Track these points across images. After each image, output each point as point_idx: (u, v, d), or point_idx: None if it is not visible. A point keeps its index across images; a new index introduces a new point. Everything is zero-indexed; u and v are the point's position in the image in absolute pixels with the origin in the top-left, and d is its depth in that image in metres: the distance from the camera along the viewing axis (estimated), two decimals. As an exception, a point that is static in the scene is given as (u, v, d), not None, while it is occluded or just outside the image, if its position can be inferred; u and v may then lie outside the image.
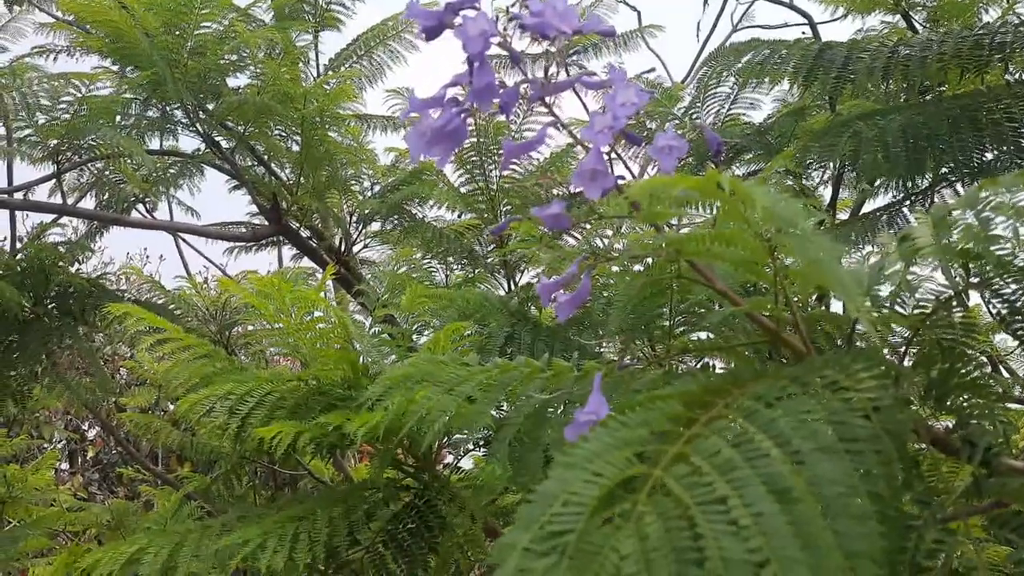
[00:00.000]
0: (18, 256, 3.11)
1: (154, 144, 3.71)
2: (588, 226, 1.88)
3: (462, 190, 3.14)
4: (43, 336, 2.88)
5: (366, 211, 3.42)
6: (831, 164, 2.73)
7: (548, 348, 1.60)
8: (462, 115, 0.94)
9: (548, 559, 0.51)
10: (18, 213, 3.62)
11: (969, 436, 0.72)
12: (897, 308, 0.90)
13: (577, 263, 1.02)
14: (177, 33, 3.23)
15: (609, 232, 1.64)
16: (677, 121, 3.36)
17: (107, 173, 3.82)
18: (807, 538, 0.53)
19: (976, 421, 0.77)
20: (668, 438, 0.60)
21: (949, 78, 1.91)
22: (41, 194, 3.61)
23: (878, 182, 2.61)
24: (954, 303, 0.85)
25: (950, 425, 0.85)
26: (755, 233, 0.79)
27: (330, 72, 3.68)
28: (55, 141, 3.14)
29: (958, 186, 1.85)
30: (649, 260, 1.22)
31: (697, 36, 4.42)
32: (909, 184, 2.08)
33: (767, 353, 1.07)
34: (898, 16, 3.87)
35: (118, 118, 3.36)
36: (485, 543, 1.56)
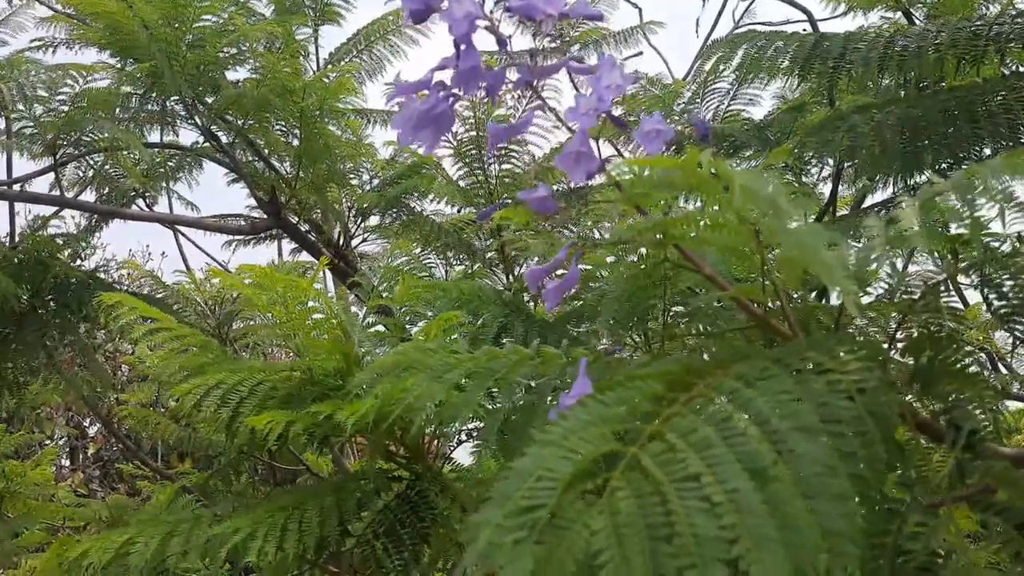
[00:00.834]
0: (16, 248, 3.11)
1: (153, 137, 3.71)
2: (585, 218, 1.87)
3: (461, 184, 3.14)
4: (40, 329, 2.88)
5: (364, 205, 3.41)
6: (830, 160, 2.72)
7: (542, 339, 1.60)
8: (449, 99, 0.93)
9: (518, 533, 0.50)
10: (18, 206, 3.62)
11: (954, 420, 0.71)
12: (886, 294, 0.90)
13: (565, 249, 1.02)
14: (176, 26, 3.23)
15: (607, 224, 1.64)
16: (668, 110, 3.35)
17: (106, 167, 3.83)
18: (783, 516, 0.53)
19: (962, 406, 0.76)
20: (646, 417, 0.60)
21: (947, 70, 1.90)
22: (42, 188, 3.62)
23: (877, 178, 2.60)
24: (942, 289, 0.84)
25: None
26: (739, 217, 0.79)
27: (330, 66, 3.68)
28: (52, 134, 3.13)
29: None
30: (643, 251, 1.21)
31: (696, 33, 4.42)
32: (908, 179, 2.08)
33: (766, 343, 1.07)
34: (899, 13, 3.87)
35: (117, 111, 3.36)
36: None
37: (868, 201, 3.24)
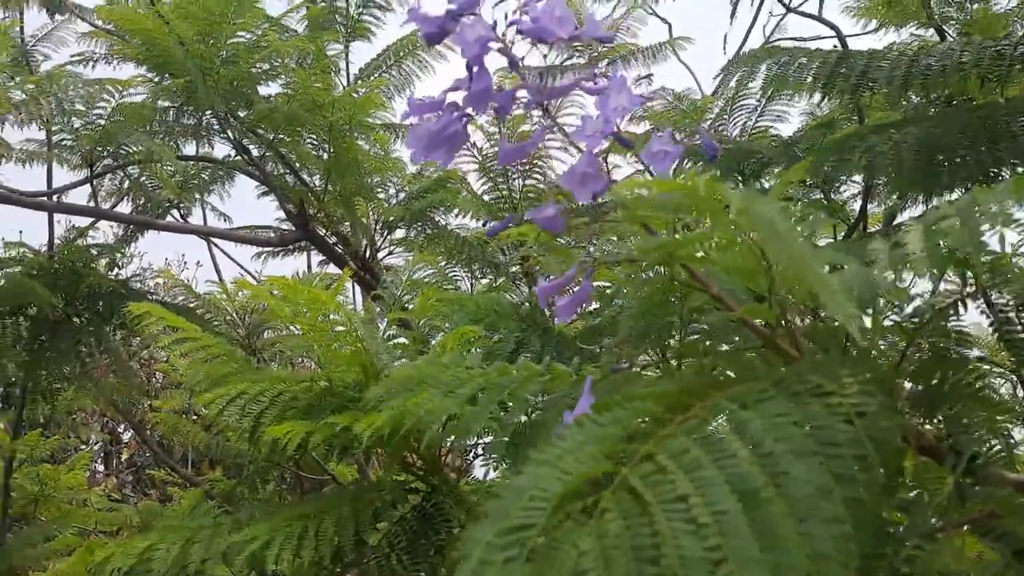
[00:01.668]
0: (53, 258, 3.19)
1: (188, 150, 3.79)
2: (603, 235, 1.88)
3: (485, 198, 3.16)
4: (74, 337, 2.95)
5: (391, 218, 3.45)
6: (860, 177, 2.70)
7: (558, 355, 1.61)
8: (461, 120, 0.95)
9: (509, 552, 0.52)
10: (56, 216, 3.71)
11: (956, 445, 0.71)
12: (892, 316, 0.90)
13: (576, 267, 1.03)
14: (211, 42, 3.30)
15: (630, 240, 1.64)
16: (695, 126, 3.34)
17: (142, 178, 3.91)
18: (771, 539, 0.53)
19: (966, 431, 0.76)
20: (641, 438, 0.60)
21: (971, 87, 1.89)
22: (79, 198, 3.71)
23: (907, 196, 2.58)
24: (950, 312, 0.84)
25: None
26: (743, 237, 0.79)
27: (359, 81, 3.73)
28: (90, 146, 3.21)
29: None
30: (661, 268, 1.22)
31: (724, 49, 4.41)
32: (936, 198, 2.06)
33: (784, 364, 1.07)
34: (931, 30, 3.83)
35: (153, 124, 3.44)
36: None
37: (900, 218, 3.21)
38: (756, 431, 0.60)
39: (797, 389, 0.70)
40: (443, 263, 3.43)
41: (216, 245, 5.21)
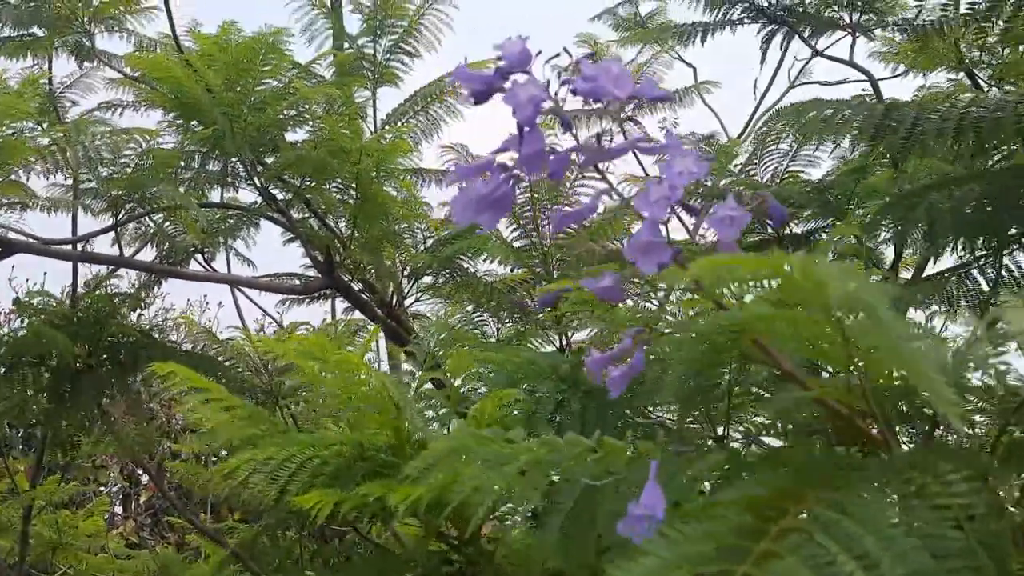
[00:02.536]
0: (76, 307, 3.16)
1: (215, 196, 3.77)
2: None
3: (515, 245, 3.11)
4: (96, 387, 2.90)
5: (418, 264, 3.40)
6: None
7: (600, 418, 1.53)
8: (510, 182, 0.89)
9: None
10: (80, 264, 3.69)
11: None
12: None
13: (630, 337, 0.96)
14: (238, 89, 3.30)
15: (660, 295, 1.58)
16: (732, 179, 3.28)
17: (166, 225, 3.90)
18: None
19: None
20: (735, 555, 0.53)
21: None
22: (103, 245, 3.69)
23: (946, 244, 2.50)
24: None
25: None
26: (826, 314, 0.72)
27: (386, 127, 3.72)
28: (115, 192, 3.20)
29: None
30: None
31: (754, 93, 4.37)
32: (977, 248, 1.98)
33: (836, 440, 0.99)
34: (961, 74, 3.77)
35: (180, 171, 3.43)
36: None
37: (932, 264, 3.11)
38: (869, 549, 0.52)
39: (899, 490, 0.62)
40: (470, 309, 3.37)
41: (239, 289, 5.19)
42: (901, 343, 0.60)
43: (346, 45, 3.95)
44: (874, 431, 0.82)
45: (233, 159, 3.46)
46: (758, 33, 3.76)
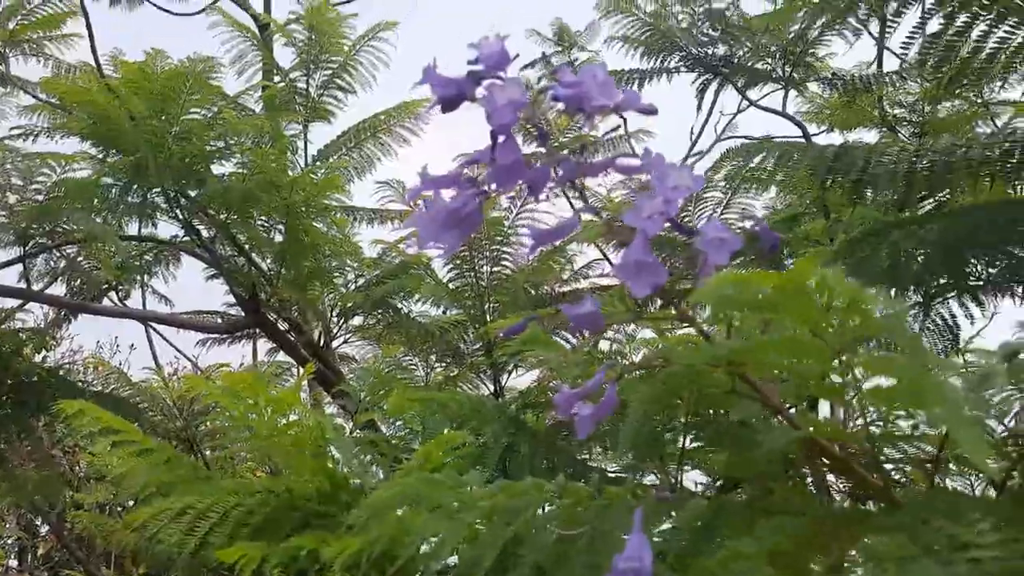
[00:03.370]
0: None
1: (131, 229, 3.58)
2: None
3: (450, 285, 3.02)
4: (-5, 429, 2.67)
5: (349, 304, 3.28)
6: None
7: (548, 462, 1.44)
8: (478, 198, 0.81)
9: None
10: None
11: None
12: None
13: (602, 371, 0.88)
14: (163, 118, 3.15)
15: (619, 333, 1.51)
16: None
17: (79, 259, 3.68)
18: None
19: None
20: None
21: (969, 185, 1.84)
22: (9, 278, 3.45)
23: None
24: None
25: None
26: (832, 342, 0.66)
27: (318, 163, 3.60)
28: (25, 223, 2.99)
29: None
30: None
31: (691, 137, 4.42)
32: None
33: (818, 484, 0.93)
34: (875, 132, 3.90)
35: (95, 202, 3.24)
36: None
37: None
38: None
39: (931, 542, 0.55)
40: (402, 351, 3.26)
41: (155, 329, 4.93)
42: (931, 380, 0.54)
43: (277, 78, 3.84)
44: (877, 482, 0.75)
45: (155, 190, 3.29)
46: (693, 82, 3.82)
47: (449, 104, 0.80)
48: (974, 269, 1.35)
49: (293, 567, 1.37)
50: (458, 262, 2.95)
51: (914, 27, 1.83)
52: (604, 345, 1.58)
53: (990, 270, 1.34)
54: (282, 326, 3.39)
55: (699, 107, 3.66)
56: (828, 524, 0.57)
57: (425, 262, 3.06)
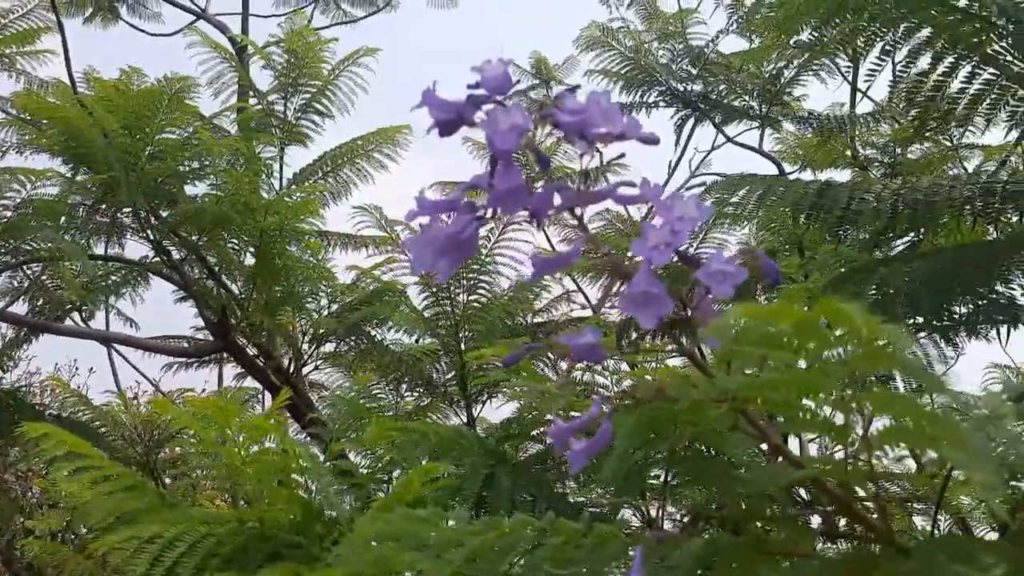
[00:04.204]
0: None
1: (98, 249, 3.50)
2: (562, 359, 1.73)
3: (425, 313, 2.98)
4: (-54, 452, 2.56)
5: (321, 330, 3.22)
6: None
7: (531, 495, 1.41)
8: (475, 223, 0.79)
9: None
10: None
11: None
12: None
13: (598, 404, 0.86)
14: (137, 136, 3.10)
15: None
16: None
17: (43, 277, 3.59)
18: None
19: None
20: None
21: (947, 226, 1.85)
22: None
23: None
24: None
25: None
26: (842, 378, 0.64)
27: (294, 186, 3.57)
28: (-11, 240, 2.92)
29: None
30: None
31: (669, 169, 4.45)
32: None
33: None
34: (855, 170, 3.96)
35: (62, 220, 3.18)
36: None
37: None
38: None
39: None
40: (375, 380, 3.21)
41: (117, 352, 4.82)
42: (950, 422, 0.52)
43: (254, 100, 3.81)
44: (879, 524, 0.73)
45: (125, 210, 3.23)
46: (671, 117, 3.85)
47: (447, 128, 0.78)
48: (947, 309, 1.36)
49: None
50: (434, 290, 2.92)
51: (872, 67, 1.87)
52: (578, 375, 1.56)
53: (965, 309, 1.35)
54: (251, 351, 3.33)
55: (677, 141, 3.68)
56: (841, 570, 0.55)
57: (400, 289, 3.03)
